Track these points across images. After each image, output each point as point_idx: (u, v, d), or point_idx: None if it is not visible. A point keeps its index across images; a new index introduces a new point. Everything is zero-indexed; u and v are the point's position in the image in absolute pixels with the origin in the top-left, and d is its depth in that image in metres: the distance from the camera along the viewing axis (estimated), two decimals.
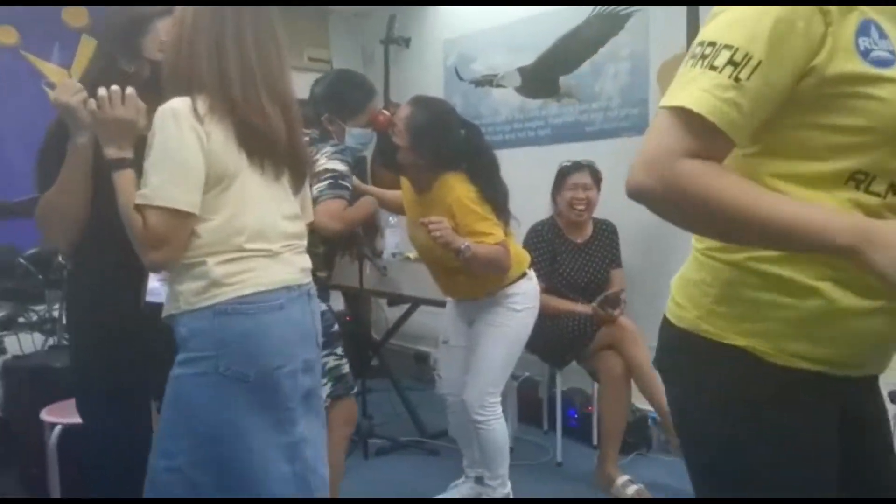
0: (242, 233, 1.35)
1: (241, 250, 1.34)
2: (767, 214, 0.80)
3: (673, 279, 1.04)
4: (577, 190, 2.84)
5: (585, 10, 3.28)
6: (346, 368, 2.08)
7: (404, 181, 2.39)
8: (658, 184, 0.83)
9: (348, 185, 2.00)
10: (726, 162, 0.87)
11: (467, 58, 3.96)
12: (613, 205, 2.81)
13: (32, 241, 2.92)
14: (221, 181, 1.34)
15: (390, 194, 2.57)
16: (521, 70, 3.63)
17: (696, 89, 0.82)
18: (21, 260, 2.74)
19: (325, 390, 1.93)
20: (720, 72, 0.81)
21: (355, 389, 2.17)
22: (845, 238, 0.78)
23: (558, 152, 3.48)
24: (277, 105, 1.40)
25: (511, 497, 2.36)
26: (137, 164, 1.35)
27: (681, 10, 2.78)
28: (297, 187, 1.48)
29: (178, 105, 1.31)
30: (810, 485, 0.92)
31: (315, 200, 1.90)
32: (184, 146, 1.29)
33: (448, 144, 2.20)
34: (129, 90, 1.35)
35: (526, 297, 2.35)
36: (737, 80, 0.81)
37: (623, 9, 3.18)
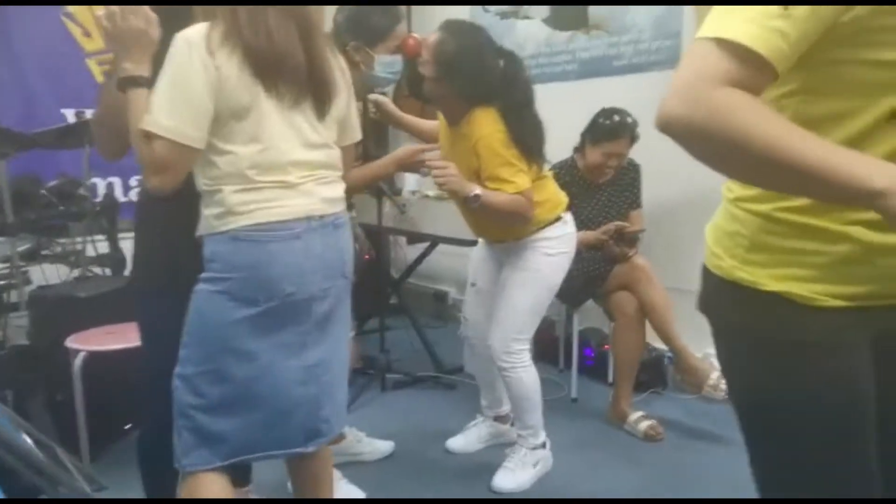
0: (254, 165, 1.35)
1: (253, 182, 1.35)
2: (803, 149, 0.75)
3: (707, 227, 1.04)
4: (609, 158, 2.72)
5: None
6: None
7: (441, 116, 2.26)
8: (693, 112, 0.77)
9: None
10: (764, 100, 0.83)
11: None
12: (640, 143, 2.73)
13: (54, 173, 2.95)
14: (236, 113, 1.33)
15: (427, 125, 2.44)
16: None
17: (739, 19, 0.76)
18: (43, 191, 2.76)
19: None
20: None
21: (352, 333, 2.13)
22: (883, 180, 0.73)
23: (586, 88, 3.38)
24: (292, 24, 1.36)
25: (546, 443, 2.33)
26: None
27: None
28: (321, 112, 1.44)
29: (192, 35, 1.30)
30: (849, 424, 0.93)
31: None
32: (192, 79, 1.28)
33: (478, 78, 2.03)
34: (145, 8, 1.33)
35: (560, 241, 2.21)
36: (785, 7, 0.75)
37: None
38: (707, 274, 1.02)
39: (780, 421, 0.95)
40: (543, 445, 2.34)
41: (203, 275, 1.39)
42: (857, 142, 0.83)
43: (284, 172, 1.38)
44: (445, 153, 2.20)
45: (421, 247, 3.62)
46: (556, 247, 2.21)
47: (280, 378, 1.42)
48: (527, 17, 3.63)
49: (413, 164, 2.10)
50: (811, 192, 0.82)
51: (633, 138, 2.71)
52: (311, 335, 1.45)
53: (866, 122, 0.82)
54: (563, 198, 2.28)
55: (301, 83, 1.38)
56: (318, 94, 1.42)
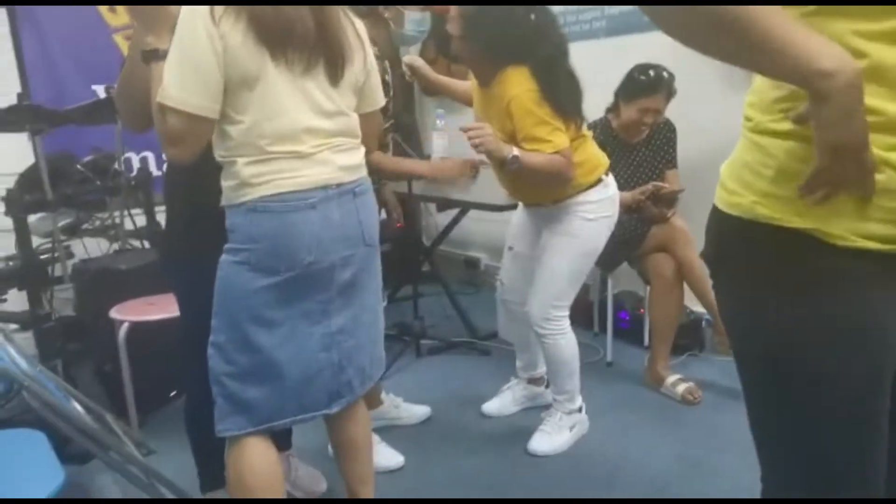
0: (265, 136, 1.35)
1: (265, 152, 1.35)
2: (770, 19, 0.73)
3: (722, 166, 0.96)
4: (646, 114, 2.63)
5: None
6: None
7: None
8: None
9: None
10: None
11: None
12: (675, 101, 2.66)
13: (89, 148, 2.99)
14: (246, 82, 1.32)
15: (461, 86, 2.38)
16: None
17: None
18: (79, 167, 2.81)
19: None
20: None
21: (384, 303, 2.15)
22: (833, 61, 0.72)
23: (615, 45, 3.28)
24: None
25: (583, 407, 2.33)
26: None
27: None
28: (335, 78, 1.42)
29: (199, 5, 1.29)
30: (868, 381, 0.87)
31: None
32: (197, 50, 1.28)
33: (507, 34, 1.95)
34: None
35: (600, 205, 2.14)
36: None
37: None
38: (718, 217, 0.94)
39: (799, 370, 0.88)
40: (580, 409, 2.34)
41: (226, 245, 1.42)
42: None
43: (297, 142, 1.37)
44: (479, 115, 2.16)
45: (452, 213, 3.61)
46: (597, 210, 2.14)
47: (303, 345, 1.44)
48: None
49: (447, 177, 2.09)
50: (763, 61, 0.77)
51: (670, 94, 2.63)
52: (334, 303, 1.47)
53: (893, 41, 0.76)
54: (604, 159, 2.21)
55: (311, 50, 1.37)
56: (330, 61, 1.40)
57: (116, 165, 2.91)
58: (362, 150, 1.53)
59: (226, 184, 1.40)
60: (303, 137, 1.38)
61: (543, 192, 2.13)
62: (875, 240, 0.82)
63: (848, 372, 0.86)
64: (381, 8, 1.97)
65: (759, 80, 0.89)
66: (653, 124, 2.70)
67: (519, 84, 1.97)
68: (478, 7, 1.97)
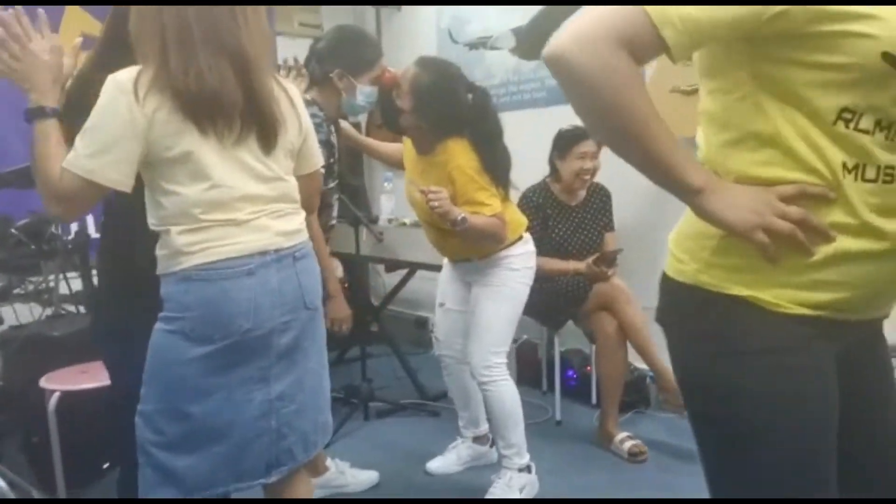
0: (199, 205, 1.33)
1: (199, 221, 1.34)
2: (653, 134, 0.85)
3: (670, 235, 1.03)
4: (584, 160, 2.76)
5: None
6: None
7: (407, 139, 2.35)
8: (586, 62, 0.82)
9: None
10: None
11: (461, 20, 3.89)
12: (607, 167, 2.78)
13: (25, 212, 2.90)
14: (175, 156, 1.31)
15: (388, 148, 2.58)
16: (516, 31, 3.57)
17: None
18: (13, 230, 2.72)
19: None
20: None
21: None
22: (700, 179, 0.87)
23: (554, 114, 3.42)
24: (226, 62, 1.32)
25: (531, 465, 2.33)
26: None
27: None
28: (268, 146, 1.41)
29: (122, 77, 1.28)
30: (811, 433, 0.91)
31: None
32: (115, 124, 1.27)
33: (452, 110, 2.15)
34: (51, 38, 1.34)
35: (522, 258, 2.32)
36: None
37: None
38: (668, 283, 1.01)
39: (742, 428, 0.92)
40: (529, 469, 2.33)
41: (160, 314, 1.38)
42: (814, 141, 0.85)
43: (232, 210, 1.36)
44: (413, 179, 2.29)
45: (400, 273, 3.62)
46: (520, 262, 2.31)
47: (239, 412, 1.40)
48: (494, 48, 3.71)
49: None
50: (647, 168, 0.88)
51: (600, 142, 2.77)
52: (274, 368, 1.43)
53: (817, 121, 0.84)
54: (524, 219, 2.40)
55: (241, 120, 1.36)
56: (262, 130, 1.39)
57: (53, 228, 2.83)
58: (302, 214, 1.52)
59: (160, 252, 1.38)
60: (238, 205, 1.37)
61: (476, 248, 2.27)
62: (808, 307, 0.89)
63: (787, 429, 0.90)
64: (335, 78, 2.07)
65: (705, 150, 0.97)
66: (593, 171, 2.81)
67: (462, 153, 2.15)
68: (426, 85, 2.14)
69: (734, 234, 0.88)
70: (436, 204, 2.06)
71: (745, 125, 0.89)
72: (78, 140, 1.28)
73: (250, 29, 1.38)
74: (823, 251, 0.87)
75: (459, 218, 2.07)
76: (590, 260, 2.75)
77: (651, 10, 0.81)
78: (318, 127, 1.98)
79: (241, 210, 1.37)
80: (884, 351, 1.04)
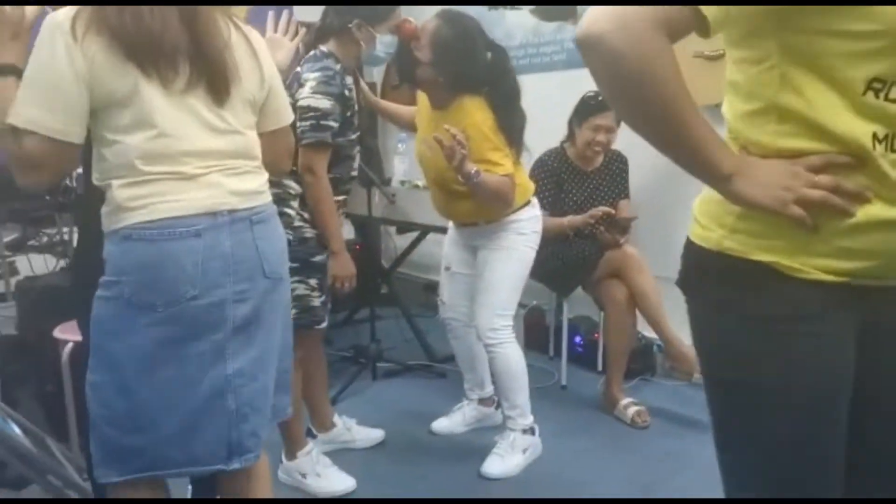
0: (144, 155, 1.23)
1: (142, 174, 1.23)
2: (687, 121, 0.84)
3: (695, 200, 1.03)
4: (598, 132, 2.72)
5: None
6: (318, 301, 2.06)
7: (422, 96, 2.32)
8: (622, 43, 0.80)
9: (332, 123, 1.95)
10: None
11: None
12: (625, 134, 2.73)
13: None
14: (117, 101, 1.22)
15: (404, 110, 2.56)
16: None
17: None
18: None
19: None
20: None
21: (324, 324, 2.14)
22: (731, 166, 0.87)
23: (573, 77, 3.35)
24: (171, 5, 1.23)
25: (534, 427, 2.35)
26: None
27: None
28: (219, 96, 1.29)
29: (60, 17, 1.19)
30: (823, 404, 0.93)
31: (298, 140, 1.87)
32: (57, 68, 1.17)
33: (471, 66, 2.12)
34: None
35: (530, 222, 2.33)
36: None
37: None
38: (691, 248, 1.01)
39: (759, 395, 0.94)
40: (532, 431, 2.35)
41: (100, 279, 1.27)
42: (842, 112, 0.83)
43: (179, 163, 1.25)
44: (426, 135, 2.25)
45: (411, 236, 3.62)
46: (527, 226, 2.31)
47: (190, 391, 1.27)
48: (515, 7, 3.63)
49: None
50: (677, 154, 0.88)
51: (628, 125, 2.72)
52: (231, 343, 1.29)
53: (847, 93, 0.83)
54: (531, 184, 2.40)
55: (190, 66, 1.25)
56: (213, 78, 1.27)
57: (67, 181, 2.84)
58: (264, 174, 1.40)
59: (104, 210, 1.27)
60: (186, 158, 1.25)
61: (484, 211, 2.26)
62: (832, 273, 0.90)
63: (801, 395, 0.92)
64: (353, 29, 2.02)
65: (730, 120, 0.96)
66: (607, 144, 2.77)
67: (478, 111, 2.13)
68: (446, 38, 2.11)
69: (769, 212, 0.87)
70: (451, 153, 1.98)
71: (772, 96, 0.88)
72: (20, 91, 1.19)
73: None
74: (851, 220, 0.86)
75: (473, 171, 2.05)
76: (597, 211, 2.70)
77: None
78: (330, 79, 1.97)
79: (189, 164, 1.25)
80: None
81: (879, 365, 0.97)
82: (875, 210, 0.86)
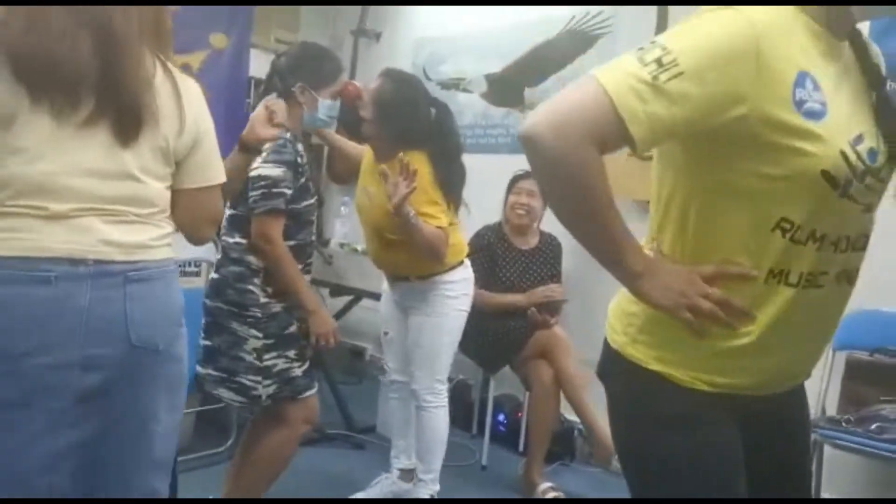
0: (7, 186, 1.11)
1: (2, 205, 1.12)
2: (608, 224, 0.93)
3: (610, 304, 1.13)
4: (520, 195, 2.89)
5: (558, 25, 3.33)
6: (299, 371, 2.00)
7: (368, 148, 2.39)
8: (558, 147, 0.88)
9: (284, 190, 1.92)
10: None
11: (437, 58, 3.97)
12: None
13: None
14: None
15: (353, 147, 2.59)
16: (489, 77, 3.65)
17: (618, 71, 0.88)
18: None
19: (269, 391, 1.94)
20: (645, 65, 0.87)
21: (313, 390, 2.06)
22: (640, 264, 0.96)
23: (516, 162, 3.49)
24: (85, 31, 1.13)
25: (437, 498, 2.34)
26: None
27: (648, 37, 2.85)
28: (125, 137, 1.17)
29: None
30: (713, 488, 1.00)
31: (251, 210, 1.89)
32: None
33: (413, 123, 2.20)
34: None
35: (461, 284, 2.37)
36: (654, 78, 0.86)
37: (594, 28, 3.25)
38: (605, 345, 1.11)
39: (657, 481, 1.04)
40: (435, 496, 2.37)
41: None
42: (749, 245, 0.94)
43: (47, 199, 1.12)
44: (367, 185, 2.33)
45: (344, 299, 3.58)
46: (458, 289, 2.36)
47: (14, 464, 1.11)
48: (466, 91, 3.79)
49: None
50: (596, 251, 0.96)
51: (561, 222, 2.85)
52: (69, 414, 1.13)
53: (758, 227, 0.93)
54: (465, 246, 2.47)
55: (93, 99, 1.14)
56: (121, 116, 1.16)
57: None
58: (163, 229, 1.26)
59: None
60: (55, 195, 1.12)
61: (416, 264, 2.29)
62: (713, 386, 1.00)
63: (691, 484, 1.00)
64: (296, 93, 2.04)
65: (651, 218, 1.07)
66: (529, 207, 2.89)
67: (420, 166, 2.16)
68: (389, 96, 2.20)
69: (665, 313, 0.96)
70: (394, 191, 2.02)
71: (685, 216, 0.98)
72: None
73: (132, 11, 1.20)
74: (727, 343, 0.97)
75: (412, 213, 2.09)
76: (540, 291, 2.80)
77: (620, 106, 0.86)
78: (281, 148, 1.94)
79: (58, 201, 1.13)
80: (798, 410, 1.15)
81: (762, 450, 1.06)
82: (748, 340, 0.96)
